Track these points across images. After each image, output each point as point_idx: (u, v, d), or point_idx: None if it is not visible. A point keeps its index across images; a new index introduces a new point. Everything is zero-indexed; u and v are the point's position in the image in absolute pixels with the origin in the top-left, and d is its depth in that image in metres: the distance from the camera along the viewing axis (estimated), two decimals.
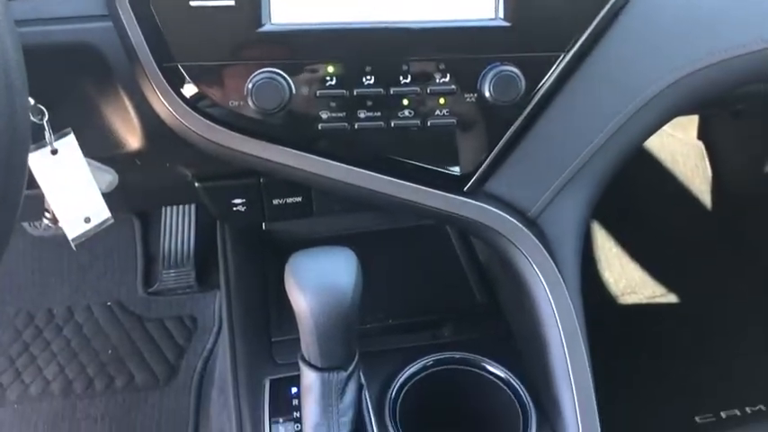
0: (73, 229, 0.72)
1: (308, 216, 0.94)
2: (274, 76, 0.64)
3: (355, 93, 0.67)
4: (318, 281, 0.63)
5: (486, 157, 0.72)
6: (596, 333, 0.78)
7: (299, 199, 0.91)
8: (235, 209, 0.90)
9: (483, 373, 0.85)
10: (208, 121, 0.67)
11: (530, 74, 0.68)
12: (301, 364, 0.68)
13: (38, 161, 0.67)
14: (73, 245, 0.73)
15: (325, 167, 0.70)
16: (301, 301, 0.63)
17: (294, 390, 0.84)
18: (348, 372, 0.68)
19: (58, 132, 0.68)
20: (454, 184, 0.73)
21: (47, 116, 0.66)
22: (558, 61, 0.69)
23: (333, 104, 0.67)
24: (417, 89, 0.68)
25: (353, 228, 1.11)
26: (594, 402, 0.74)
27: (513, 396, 0.82)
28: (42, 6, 0.63)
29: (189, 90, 0.65)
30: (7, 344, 1.43)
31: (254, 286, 1.04)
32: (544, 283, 0.75)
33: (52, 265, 1.54)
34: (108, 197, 0.74)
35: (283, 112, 0.66)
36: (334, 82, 0.66)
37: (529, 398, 0.81)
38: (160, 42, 0.63)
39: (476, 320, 0.96)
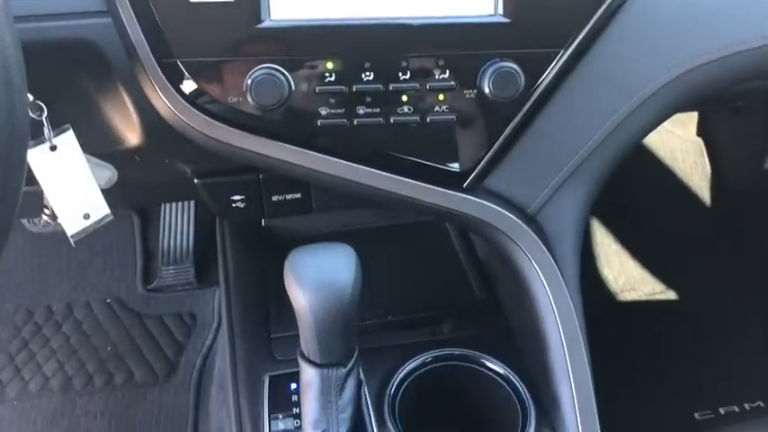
0: (72, 225, 0.72)
1: (308, 212, 0.94)
2: (273, 72, 0.64)
3: (354, 89, 0.67)
4: (318, 277, 0.63)
5: (486, 154, 0.72)
6: (595, 330, 0.79)
7: (298, 195, 0.91)
8: (234, 205, 0.90)
9: (482, 369, 0.85)
10: (207, 118, 0.66)
11: (529, 70, 0.68)
12: (300, 361, 0.69)
13: (37, 157, 0.67)
14: (72, 241, 0.73)
15: (325, 164, 0.70)
16: (300, 297, 0.63)
17: (293, 386, 0.84)
18: (347, 368, 0.68)
19: (57, 128, 0.68)
20: (454, 181, 0.73)
21: (46, 112, 0.65)
22: (558, 58, 0.69)
23: (332, 101, 0.67)
24: (417, 85, 0.68)
25: (353, 224, 1.11)
26: (593, 399, 0.74)
27: (512, 392, 0.83)
28: (41, 2, 0.63)
29: (188, 86, 0.65)
30: (6, 341, 1.43)
31: (254, 283, 1.04)
32: (543, 279, 0.75)
33: (51, 261, 1.54)
34: (107, 193, 0.74)
35: (282, 108, 0.66)
36: (333, 78, 0.66)
37: (528, 394, 0.81)
38: (159, 38, 0.63)
39: (475, 317, 0.96)
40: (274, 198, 0.91)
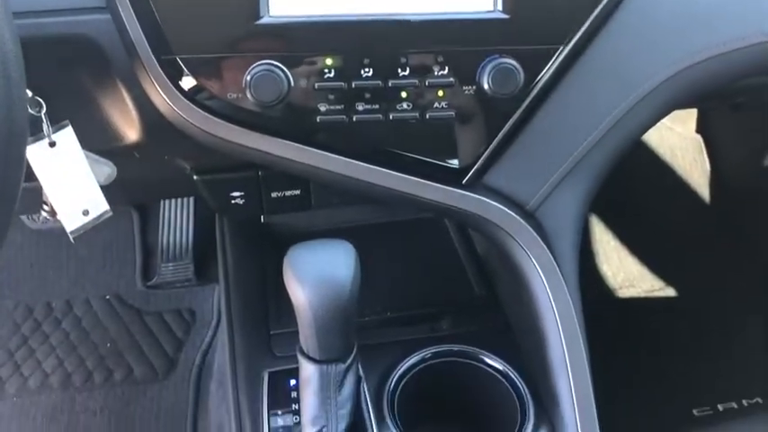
0: (71, 221, 0.72)
1: (307, 209, 0.94)
2: (273, 68, 0.64)
3: (354, 85, 0.67)
4: (317, 274, 0.63)
5: (485, 150, 0.72)
6: (594, 326, 0.79)
7: (297, 192, 0.91)
8: (233, 202, 0.90)
9: (481, 365, 0.85)
10: (206, 114, 0.66)
11: (528, 66, 0.68)
12: (300, 357, 0.69)
13: (36, 154, 0.67)
14: (71, 237, 0.73)
15: (324, 160, 0.70)
16: (300, 293, 0.63)
17: (293, 382, 0.84)
18: (346, 364, 0.68)
19: (56, 125, 0.68)
20: (453, 177, 0.73)
21: (44, 108, 0.66)
22: (557, 54, 0.69)
23: (331, 97, 0.67)
24: (416, 82, 0.68)
25: (352, 221, 1.11)
26: (592, 395, 0.74)
27: (510, 388, 0.83)
28: None
29: (187, 83, 0.65)
30: (6, 337, 1.43)
31: (253, 279, 1.04)
32: (542, 275, 0.75)
33: (51, 258, 1.54)
34: (106, 190, 0.74)
35: (282, 104, 0.66)
36: (332, 74, 0.66)
37: (527, 390, 0.81)
38: (158, 35, 0.63)
39: (474, 313, 0.96)
40: (273, 194, 0.91)
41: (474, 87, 0.68)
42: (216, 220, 1.14)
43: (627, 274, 1.66)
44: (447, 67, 0.67)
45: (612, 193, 1.01)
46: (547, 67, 0.69)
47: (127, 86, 0.68)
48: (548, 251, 0.75)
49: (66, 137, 0.68)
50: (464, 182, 0.73)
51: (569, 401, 0.74)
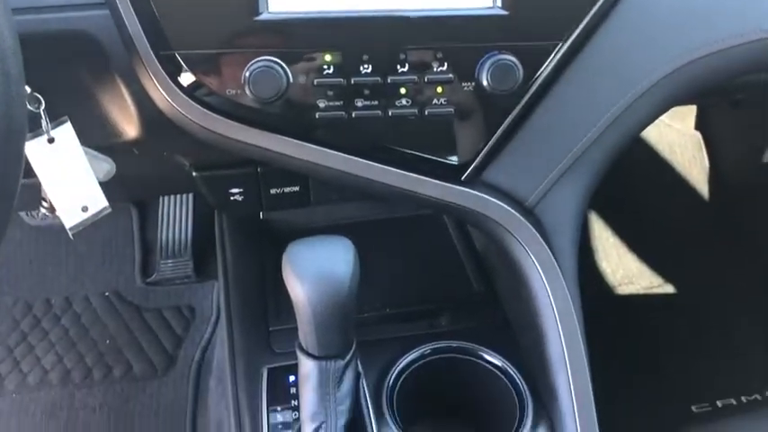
0: (70, 218, 0.72)
1: (306, 205, 0.94)
2: (272, 64, 0.64)
3: (353, 81, 0.67)
4: (316, 270, 0.63)
5: (484, 147, 0.72)
6: (593, 322, 0.79)
7: (296, 188, 0.91)
8: (232, 198, 0.90)
9: (480, 361, 0.85)
10: (205, 110, 0.66)
11: (527, 63, 0.68)
12: (299, 353, 0.69)
13: (35, 150, 0.67)
14: (70, 234, 0.73)
15: (323, 156, 0.70)
16: (299, 290, 0.63)
17: (292, 378, 0.84)
18: (345, 360, 0.68)
19: (55, 121, 0.68)
20: (452, 174, 0.73)
21: (43, 104, 0.65)
22: (556, 50, 0.69)
23: (330, 93, 0.67)
24: (415, 78, 0.67)
25: (351, 217, 1.11)
26: (591, 391, 0.74)
27: (509, 384, 0.83)
28: None
29: (186, 79, 0.65)
30: (5, 333, 1.43)
31: (252, 276, 1.04)
32: (541, 272, 0.75)
33: (50, 254, 1.54)
34: (105, 186, 0.74)
35: (281, 100, 0.66)
36: (331, 71, 0.66)
37: (526, 386, 0.81)
38: (157, 30, 0.63)
39: (473, 309, 0.96)
40: (273, 191, 0.91)
41: (473, 84, 0.68)
42: (215, 217, 1.14)
43: (626, 270, 1.66)
44: (446, 64, 0.67)
45: (612, 189, 1.01)
46: (546, 64, 0.69)
47: (126, 82, 0.68)
48: (547, 248, 0.75)
49: (65, 133, 0.68)
50: (463, 178, 0.73)
51: (568, 398, 0.74)
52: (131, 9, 0.62)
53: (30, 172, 0.67)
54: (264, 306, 0.98)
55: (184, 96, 0.66)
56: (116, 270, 1.53)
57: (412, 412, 0.82)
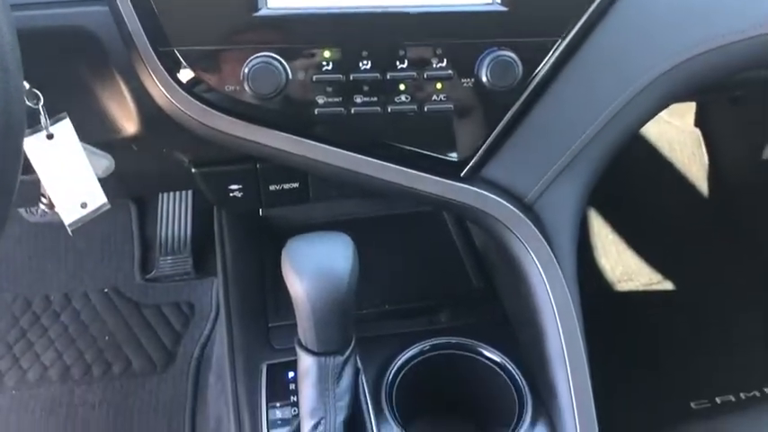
0: (69, 214, 0.72)
1: (305, 202, 0.94)
2: (270, 60, 0.64)
3: (351, 78, 0.66)
4: (315, 266, 0.63)
5: (483, 143, 0.72)
6: (592, 319, 0.79)
7: (295, 185, 0.91)
8: (231, 195, 0.90)
9: (479, 357, 0.86)
10: (204, 106, 0.66)
11: (527, 59, 0.68)
12: (298, 349, 0.69)
13: (33, 146, 0.67)
14: (69, 230, 0.73)
15: (322, 152, 0.70)
16: (298, 286, 0.63)
17: (291, 374, 0.84)
18: (345, 356, 0.68)
19: (54, 117, 0.67)
20: (451, 170, 0.73)
21: (42, 101, 0.65)
22: (555, 47, 0.69)
23: (329, 89, 0.67)
24: (414, 74, 0.67)
25: (350, 214, 1.11)
26: (590, 387, 0.74)
27: (508, 380, 0.83)
28: None
29: (185, 75, 0.65)
30: (5, 330, 1.43)
31: (252, 272, 1.04)
32: (540, 268, 0.75)
33: (49, 251, 1.54)
34: (104, 183, 0.74)
35: (280, 96, 0.66)
36: (330, 67, 0.66)
37: (525, 382, 0.82)
38: (156, 27, 0.63)
39: (472, 306, 0.96)
40: (272, 187, 0.90)
41: (472, 80, 0.68)
42: (214, 214, 1.14)
43: (625, 267, 1.66)
44: (445, 60, 0.67)
45: (611, 186, 1.01)
46: (545, 60, 0.69)
47: (125, 79, 0.68)
48: (546, 244, 0.75)
49: (64, 129, 0.68)
50: (462, 174, 0.73)
51: (567, 394, 0.74)
52: (130, 5, 0.62)
53: (29, 168, 0.67)
54: (264, 302, 0.98)
55: (183, 93, 0.66)
56: (115, 267, 1.54)
57: (411, 408, 0.82)
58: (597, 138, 0.74)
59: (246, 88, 0.65)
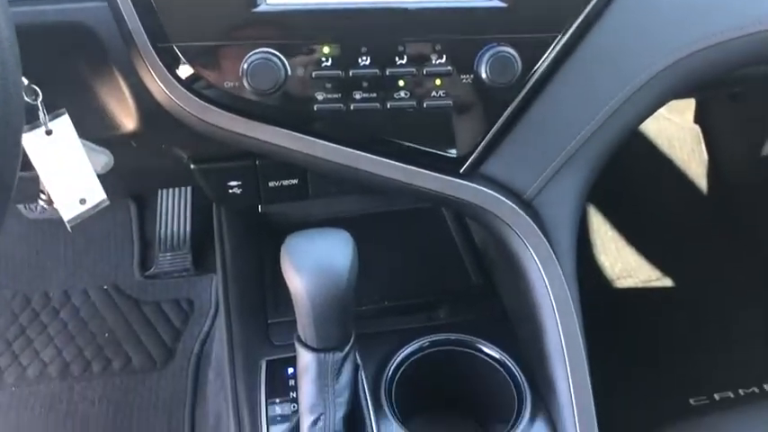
0: (68, 210, 0.72)
1: (304, 198, 0.94)
2: (269, 56, 0.64)
3: (351, 74, 0.66)
4: (314, 262, 0.63)
5: (483, 139, 0.72)
6: (591, 315, 0.79)
7: (294, 181, 0.91)
8: (231, 191, 0.90)
9: (478, 354, 0.86)
10: (203, 103, 0.66)
11: (526, 55, 0.68)
12: (297, 346, 0.69)
13: (32, 142, 0.67)
14: (68, 226, 0.72)
15: (321, 149, 0.70)
16: (297, 282, 0.63)
17: (290, 371, 0.84)
18: (344, 352, 0.68)
19: (53, 113, 0.67)
20: (450, 166, 0.73)
21: (41, 96, 0.65)
22: (555, 43, 0.69)
23: (328, 85, 0.67)
24: (413, 70, 0.67)
25: (349, 210, 1.11)
26: (589, 383, 0.75)
27: (508, 377, 0.83)
28: None
29: (184, 71, 0.65)
30: (4, 327, 1.43)
31: (251, 269, 1.04)
32: (539, 265, 0.75)
33: (48, 248, 1.54)
34: (104, 180, 0.74)
35: (279, 92, 0.66)
36: (329, 63, 0.66)
37: (524, 378, 0.82)
38: (155, 23, 0.63)
39: (471, 302, 0.96)
40: (271, 184, 0.90)
41: (472, 76, 0.68)
42: (213, 210, 1.14)
43: (624, 264, 1.66)
44: (445, 56, 0.67)
45: (610, 183, 1.01)
46: (544, 56, 0.69)
47: (124, 75, 0.68)
48: (545, 241, 0.75)
49: (63, 125, 0.68)
50: (462, 171, 0.73)
51: (566, 390, 0.75)
52: (129, 1, 0.62)
53: (27, 164, 0.67)
54: (263, 299, 0.98)
55: (182, 89, 0.65)
56: (115, 263, 1.53)
57: (410, 404, 0.83)
58: (596, 134, 0.74)
59: (245, 84, 0.65)
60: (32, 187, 0.72)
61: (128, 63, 0.66)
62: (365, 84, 0.67)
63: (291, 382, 0.84)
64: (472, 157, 0.73)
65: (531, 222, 0.74)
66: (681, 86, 0.75)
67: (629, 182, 1.69)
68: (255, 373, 0.86)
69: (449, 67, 0.68)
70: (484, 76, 0.68)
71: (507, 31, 0.67)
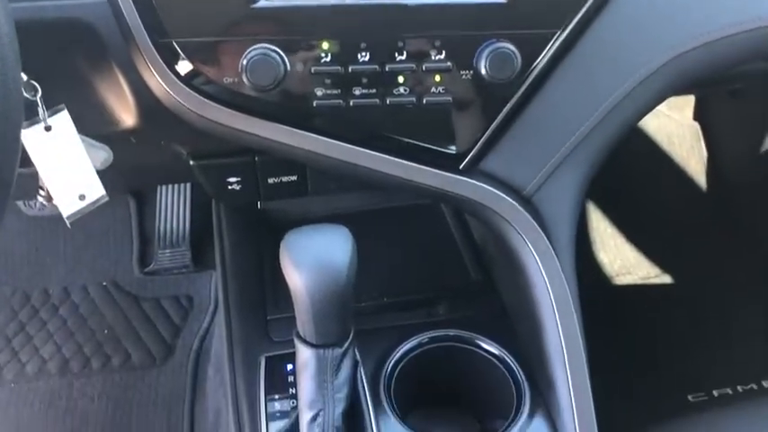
0: (67, 206, 0.72)
1: (304, 195, 0.94)
2: (269, 52, 0.64)
3: (350, 69, 0.66)
4: (314, 258, 0.63)
5: (482, 136, 0.72)
6: (590, 312, 0.79)
7: (294, 178, 0.91)
8: (230, 187, 0.90)
9: (477, 350, 0.86)
10: (202, 98, 0.66)
11: (526, 51, 0.68)
12: (297, 342, 0.69)
13: (31, 138, 0.67)
14: (68, 222, 0.72)
15: (321, 145, 0.70)
16: (297, 278, 0.63)
17: (290, 367, 0.84)
18: (343, 348, 0.68)
19: (52, 109, 0.67)
20: (450, 163, 0.73)
21: (40, 92, 0.65)
22: (554, 39, 0.69)
23: (328, 81, 0.67)
24: (413, 66, 0.67)
25: (349, 207, 1.11)
26: (588, 379, 0.75)
27: (506, 373, 0.83)
28: None
29: (183, 67, 0.65)
30: (3, 323, 1.43)
31: (250, 265, 1.04)
32: (538, 261, 0.75)
33: (48, 245, 1.54)
34: (103, 176, 0.74)
35: (278, 88, 0.66)
36: (329, 58, 0.66)
37: (522, 374, 0.82)
38: (154, 18, 0.63)
39: (470, 298, 0.96)
40: (270, 180, 0.90)
41: (471, 72, 0.68)
42: (213, 207, 1.14)
43: (623, 261, 1.67)
44: (444, 52, 0.67)
45: (610, 180, 1.01)
46: (544, 52, 0.69)
47: (123, 71, 0.68)
48: (544, 237, 0.75)
49: (62, 121, 0.68)
50: (461, 167, 0.73)
51: (565, 386, 0.75)
52: None
53: (27, 161, 0.67)
54: (262, 295, 0.98)
55: (182, 85, 0.65)
56: (114, 260, 1.53)
57: (409, 400, 0.83)
58: (595, 130, 0.74)
59: (245, 80, 0.65)
60: (32, 183, 0.72)
61: (127, 59, 0.66)
62: (364, 80, 0.67)
63: (291, 379, 0.84)
64: (471, 154, 0.73)
65: (531, 219, 0.74)
66: (680, 83, 0.75)
67: (628, 179, 1.69)
68: (255, 369, 0.86)
69: (448, 63, 0.68)
70: (483, 72, 0.68)
71: (507, 27, 0.67)
